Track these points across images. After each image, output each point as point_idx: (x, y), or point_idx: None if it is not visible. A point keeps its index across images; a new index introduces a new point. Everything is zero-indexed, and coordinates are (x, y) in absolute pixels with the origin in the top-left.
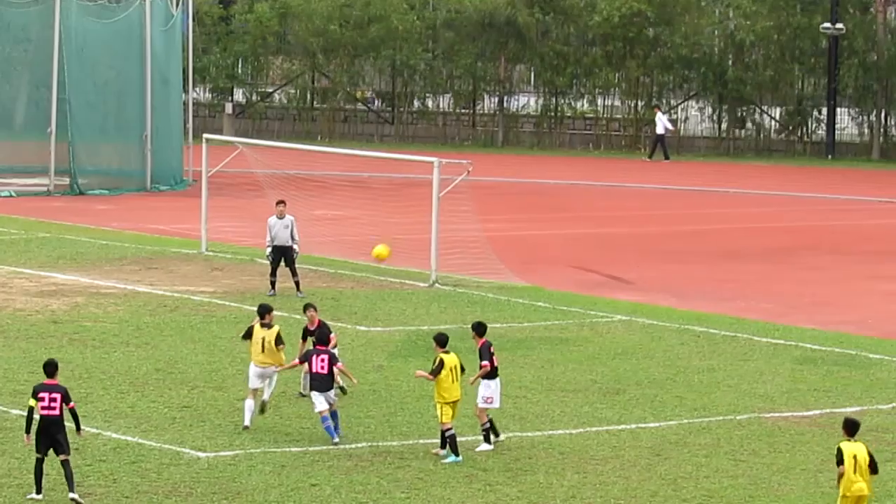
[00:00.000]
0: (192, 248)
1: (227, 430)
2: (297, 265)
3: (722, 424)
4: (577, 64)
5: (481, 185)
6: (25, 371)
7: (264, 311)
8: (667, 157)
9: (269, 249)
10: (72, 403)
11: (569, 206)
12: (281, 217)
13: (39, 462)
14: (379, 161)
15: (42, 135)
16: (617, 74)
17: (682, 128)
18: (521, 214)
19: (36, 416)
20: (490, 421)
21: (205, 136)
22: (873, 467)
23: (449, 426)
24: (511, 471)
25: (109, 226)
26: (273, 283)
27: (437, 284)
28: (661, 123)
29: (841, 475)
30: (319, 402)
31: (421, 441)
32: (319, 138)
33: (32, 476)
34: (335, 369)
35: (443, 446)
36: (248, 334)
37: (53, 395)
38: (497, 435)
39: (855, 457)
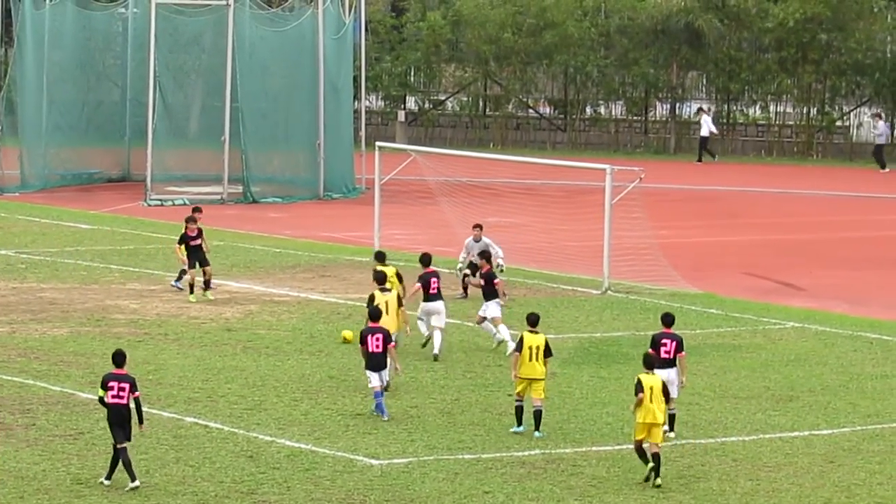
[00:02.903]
0: (365, 255)
1: (401, 437)
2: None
3: None
4: (750, 70)
5: (653, 192)
6: (199, 379)
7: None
8: (700, 159)
9: (460, 265)
10: (137, 393)
11: (741, 212)
12: (477, 240)
13: (121, 451)
14: (551, 168)
15: (215, 143)
16: (789, 80)
17: (854, 134)
18: (692, 221)
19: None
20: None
21: (377, 143)
22: (667, 396)
23: (518, 398)
24: (684, 477)
25: (282, 234)
26: (465, 288)
27: (609, 291)
28: (706, 126)
29: (639, 403)
30: (374, 378)
31: (594, 448)
32: (492, 145)
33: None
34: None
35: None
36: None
37: (122, 384)
38: (671, 430)
39: (652, 388)
